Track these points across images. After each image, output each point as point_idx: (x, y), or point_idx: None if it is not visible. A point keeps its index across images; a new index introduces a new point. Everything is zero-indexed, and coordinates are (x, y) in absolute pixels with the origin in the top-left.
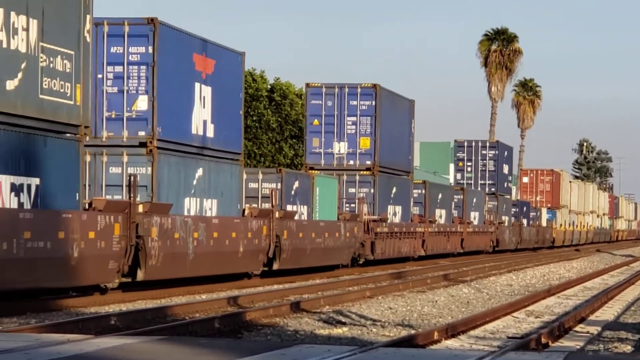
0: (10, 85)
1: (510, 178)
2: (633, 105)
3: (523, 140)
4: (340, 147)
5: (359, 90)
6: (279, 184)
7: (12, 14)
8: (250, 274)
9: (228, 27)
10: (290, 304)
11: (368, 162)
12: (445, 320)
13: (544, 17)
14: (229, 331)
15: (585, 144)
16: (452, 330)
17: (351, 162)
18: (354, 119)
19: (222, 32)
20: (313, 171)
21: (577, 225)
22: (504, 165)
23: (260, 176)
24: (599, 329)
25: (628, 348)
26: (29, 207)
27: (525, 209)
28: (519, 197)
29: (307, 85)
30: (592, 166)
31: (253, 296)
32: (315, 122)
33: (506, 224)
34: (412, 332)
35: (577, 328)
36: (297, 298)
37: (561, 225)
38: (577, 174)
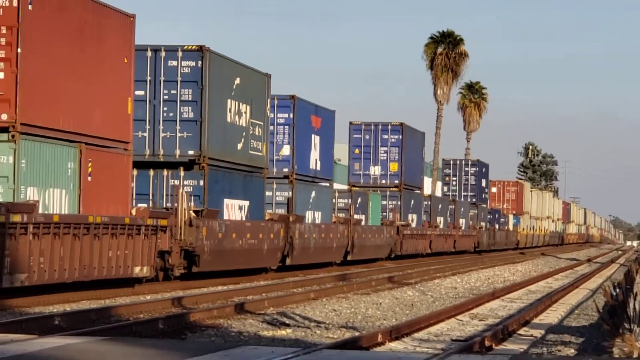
0: (239, 146)
1: (486, 190)
2: (580, 109)
3: (469, 144)
4: (375, 170)
5: (389, 127)
6: (350, 200)
7: (240, 104)
8: (333, 263)
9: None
10: (234, 305)
11: (396, 181)
12: (389, 323)
13: (489, 20)
14: (172, 332)
15: (530, 147)
16: (396, 333)
17: (383, 181)
18: (385, 149)
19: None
20: (365, 188)
21: (536, 230)
22: (482, 179)
23: (337, 194)
24: (543, 332)
25: (571, 351)
26: (244, 219)
27: (497, 215)
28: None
29: (351, 123)
30: (538, 170)
31: (197, 297)
32: (356, 151)
33: (484, 228)
34: (356, 334)
35: (521, 331)
36: (241, 299)
37: (524, 229)
38: (522, 177)
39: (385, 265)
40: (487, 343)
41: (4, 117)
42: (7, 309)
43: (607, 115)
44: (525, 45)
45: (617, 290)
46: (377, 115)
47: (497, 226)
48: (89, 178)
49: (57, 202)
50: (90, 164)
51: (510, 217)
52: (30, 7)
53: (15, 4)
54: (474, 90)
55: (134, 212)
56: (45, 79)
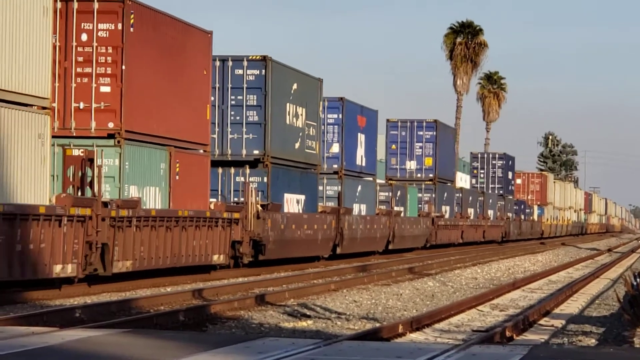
0: (296, 145)
1: (512, 182)
2: (599, 98)
3: (488, 134)
4: (411, 165)
5: (424, 124)
6: (390, 193)
7: (297, 107)
8: (376, 252)
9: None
10: (255, 296)
11: (430, 175)
12: (410, 314)
13: (508, 10)
14: (193, 324)
15: (550, 137)
16: (417, 324)
17: (419, 175)
18: (420, 144)
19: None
20: (402, 182)
21: (559, 220)
22: (509, 172)
23: (378, 187)
24: (564, 322)
25: (592, 341)
26: (301, 212)
27: (522, 206)
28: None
29: (388, 120)
30: (558, 159)
31: (218, 289)
32: (393, 146)
33: (511, 219)
34: (377, 325)
35: (542, 321)
36: (262, 291)
37: (547, 219)
38: (542, 167)
39: (405, 256)
40: (508, 333)
41: (111, 125)
42: (29, 301)
43: (627, 104)
44: (544, 34)
45: (638, 279)
46: (396, 105)
47: (522, 217)
48: (177, 177)
49: (152, 198)
50: (177, 165)
51: (535, 207)
52: (132, 29)
53: (119, 27)
54: (492, 81)
55: (212, 206)
56: (142, 91)
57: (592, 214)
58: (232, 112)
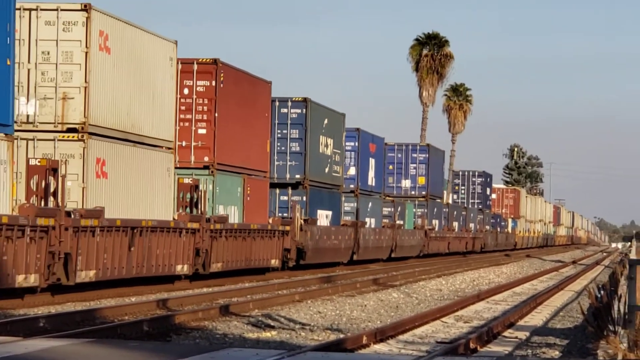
0: (326, 170)
1: (490, 197)
2: (565, 111)
3: (454, 145)
4: (406, 183)
5: (418, 147)
6: (393, 209)
7: (327, 138)
8: (382, 259)
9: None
10: (219, 307)
11: (423, 193)
12: (374, 325)
13: (473, 20)
14: (157, 334)
15: (516, 149)
16: (381, 335)
17: (413, 192)
18: (414, 165)
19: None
20: (398, 199)
21: (531, 232)
22: (487, 188)
23: (381, 204)
24: (528, 334)
25: (556, 353)
26: (329, 225)
27: (498, 219)
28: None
29: (386, 144)
30: (523, 171)
31: (182, 299)
32: (390, 167)
33: (488, 231)
34: (341, 336)
35: (506, 333)
36: (226, 301)
37: (520, 232)
38: (508, 179)
39: (370, 267)
40: (472, 345)
41: (206, 159)
42: None
43: (592, 116)
44: (510, 45)
45: (602, 292)
46: (362, 115)
47: (498, 229)
48: (248, 198)
49: (232, 215)
50: (248, 188)
51: (509, 220)
52: (221, 85)
53: (213, 84)
54: (458, 92)
55: (270, 220)
56: (227, 132)
57: (560, 226)
58: (279, 144)
